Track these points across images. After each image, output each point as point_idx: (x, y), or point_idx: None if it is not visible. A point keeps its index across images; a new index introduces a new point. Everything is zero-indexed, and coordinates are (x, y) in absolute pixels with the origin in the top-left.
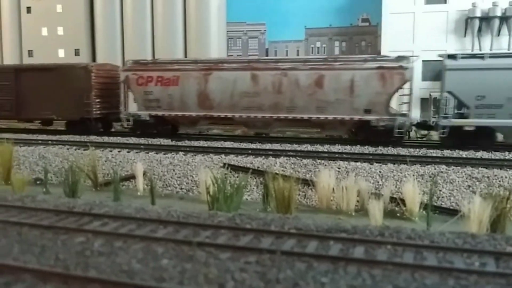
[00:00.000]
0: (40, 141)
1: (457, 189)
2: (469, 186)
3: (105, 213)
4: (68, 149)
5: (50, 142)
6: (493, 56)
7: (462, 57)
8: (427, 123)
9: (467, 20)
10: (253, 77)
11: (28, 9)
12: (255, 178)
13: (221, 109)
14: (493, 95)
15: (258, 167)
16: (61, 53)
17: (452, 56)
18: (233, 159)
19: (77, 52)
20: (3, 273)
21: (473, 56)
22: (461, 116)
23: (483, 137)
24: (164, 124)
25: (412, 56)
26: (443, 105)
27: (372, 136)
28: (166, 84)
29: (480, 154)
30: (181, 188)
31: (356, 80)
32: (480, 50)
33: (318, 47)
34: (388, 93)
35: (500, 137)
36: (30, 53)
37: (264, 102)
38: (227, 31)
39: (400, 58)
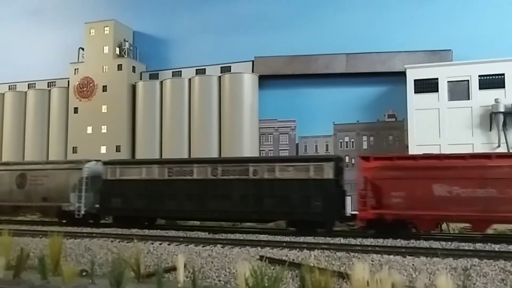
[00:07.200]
0: (85, 234)
1: (490, 283)
2: (502, 280)
3: None
4: (112, 241)
5: (94, 234)
6: None
7: None
8: None
9: (492, 115)
10: None
11: (76, 110)
12: (290, 270)
13: None
14: None
15: (293, 259)
16: (103, 149)
17: None
18: (268, 252)
19: (118, 149)
20: None
21: None
22: None
23: None
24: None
25: None
26: None
27: None
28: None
29: None
30: (220, 280)
31: None
32: (506, 143)
33: (346, 142)
34: None
35: None
36: (74, 150)
37: None
38: (259, 127)
39: None
